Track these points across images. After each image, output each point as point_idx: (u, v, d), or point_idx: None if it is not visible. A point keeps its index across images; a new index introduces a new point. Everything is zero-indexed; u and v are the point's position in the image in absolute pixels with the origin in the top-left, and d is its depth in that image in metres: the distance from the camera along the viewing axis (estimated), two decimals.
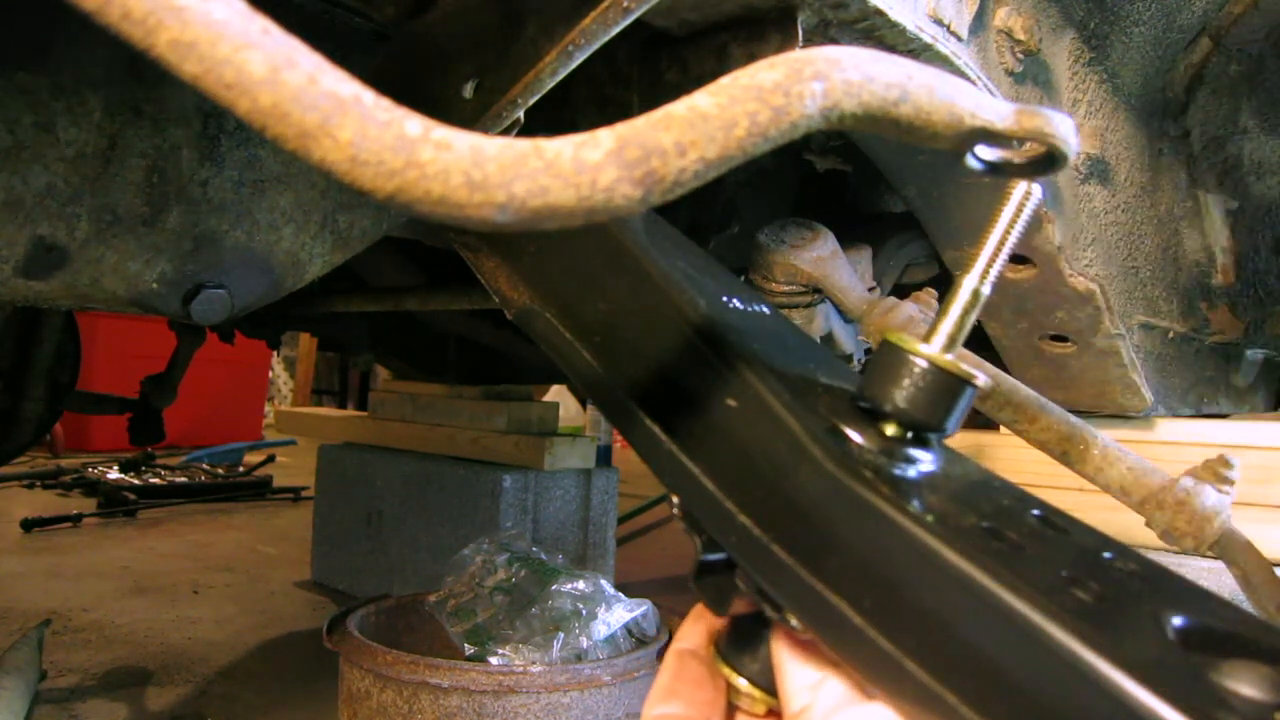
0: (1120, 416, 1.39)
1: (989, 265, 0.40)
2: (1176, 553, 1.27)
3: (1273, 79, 1.18)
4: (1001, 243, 0.40)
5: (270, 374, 6.62)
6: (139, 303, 0.83)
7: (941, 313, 0.40)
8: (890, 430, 0.39)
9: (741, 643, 0.44)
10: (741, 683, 0.44)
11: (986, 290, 0.40)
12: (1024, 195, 0.40)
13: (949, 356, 0.39)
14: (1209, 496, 0.70)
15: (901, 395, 0.38)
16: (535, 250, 0.63)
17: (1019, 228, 0.40)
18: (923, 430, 0.39)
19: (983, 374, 0.40)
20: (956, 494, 0.39)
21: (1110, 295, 1.15)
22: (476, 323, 2.14)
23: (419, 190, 0.28)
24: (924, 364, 0.38)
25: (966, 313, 0.40)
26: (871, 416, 0.41)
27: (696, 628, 0.47)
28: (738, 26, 0.73)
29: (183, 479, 3.81)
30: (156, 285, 0.82)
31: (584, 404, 4.77)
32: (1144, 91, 1.18)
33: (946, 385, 0.38)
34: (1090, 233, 1.13)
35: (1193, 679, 0.29)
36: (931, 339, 0.39)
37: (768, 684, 0.43)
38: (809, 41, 0.71)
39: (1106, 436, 0.76)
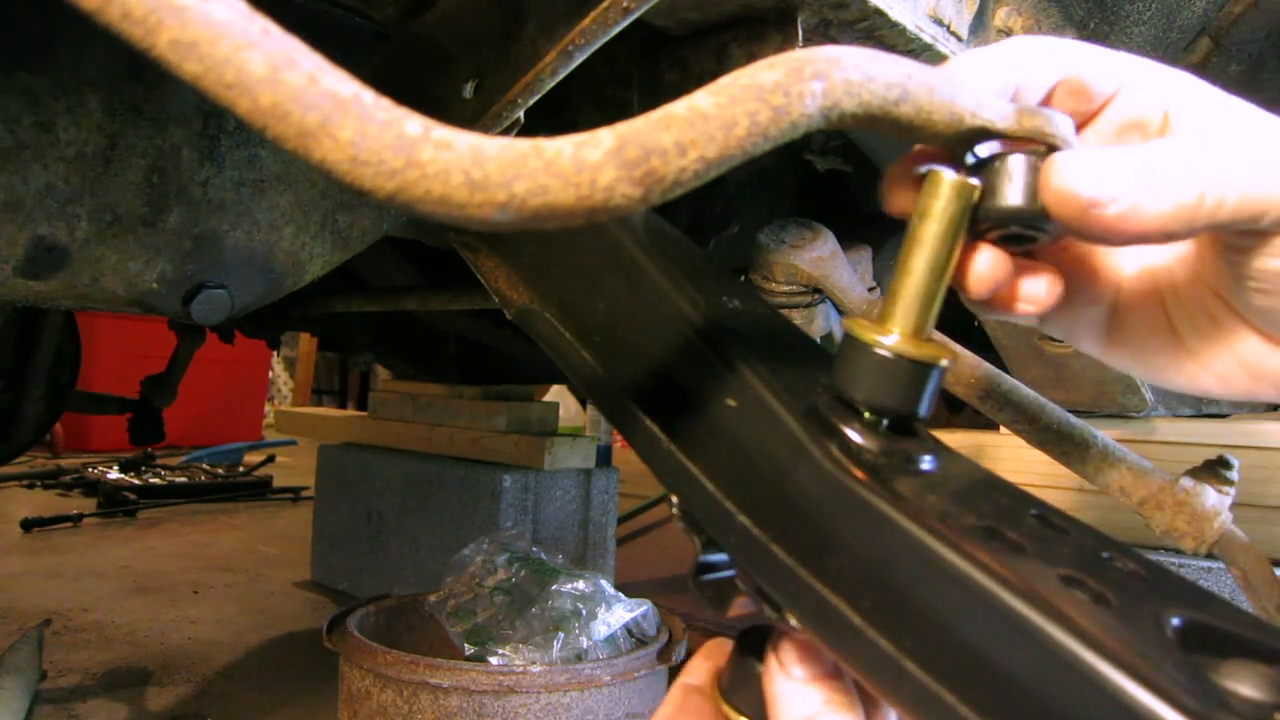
0: (1120, 416, 1.39)
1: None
2: (1176, 553, 1.27)
3: (1273, 79, 1.18)
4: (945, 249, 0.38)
5: (270, 374, 6.62)
6: (139, 303, 0.83)
7: (892, 294, 0.39)
8: (866, 418, 0.39)
9: (741, 678, 0.45)
10: (733, 714, 0.44)
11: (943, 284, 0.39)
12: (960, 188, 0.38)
13: (907, 340, 0.38)
14: (1209, 496, 0.70)
15: (868, 386, 0.38)
16: (535, 250, 0.63)
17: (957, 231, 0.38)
18: (895, 417, 0.39)
19: (945, 355, 0.39)
20: (956, 494, 0.39)
21: None
22: (476, 323, 2.14)
23: (419, 190, 0.28)
24: (882, 353, 0.38)
25: (926, 300, 0.39)
26: (853, 409, 0.41)
27: (703, 666, 0.47)
28: (738, 26, 0.73)
29: (183, 479, 3.81)
30: (156, 285, 0.82)
31: (584, 404, 4.77)
32: None
33: (910, 371, 0.38)
34: None
35: (1193, 679, 0.29)
36: (889, 324, 0.39)
37: None
38: (809, 41, 0.71)
39: (1106, 436, 0.76)
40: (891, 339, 0.38)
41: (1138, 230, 0.37)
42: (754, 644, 0.44)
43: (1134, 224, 0.37)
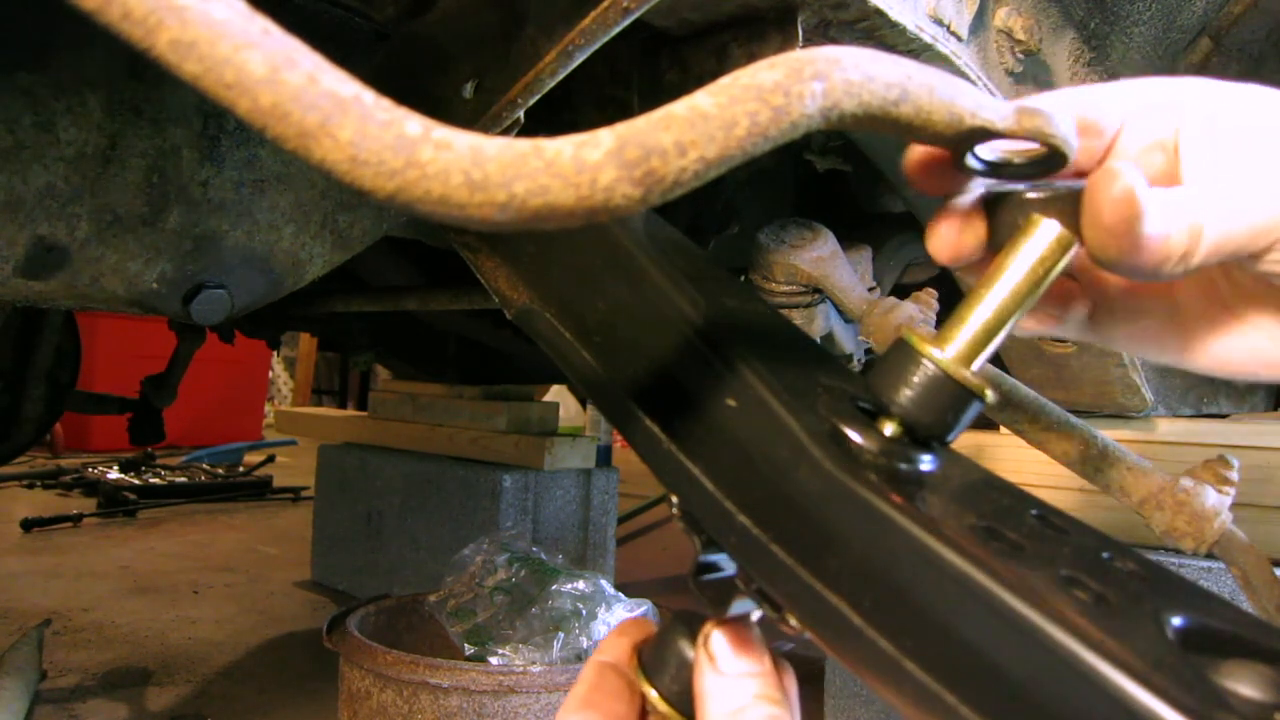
0: (1120, 416, 1.39)
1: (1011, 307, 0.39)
2: (1176, 553, 1.27)
3: (1273, 79, 1.18)
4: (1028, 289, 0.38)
5: (270, 374, 6.62)
6: (139, 303, 0.83)
7: (959, 318, 0.39)
8: (890, 429, 0.39)
9: (663, 660, 0.45)
10: (653, 694, 0.44)
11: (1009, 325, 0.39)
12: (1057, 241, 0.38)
13: (961, 365, 0.38)
14: (1209, 496, 0.71)
15: (908, 397, 0.38)
16: (535, 250, 0.63)
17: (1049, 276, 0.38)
18: (924, 435, 0.39)
19: (992, 389, 0.39)
20: (956, 494, 0.39)
21: None
22: (476, 323, 2.14)
23: (419, 190, 0.28)
24: (934, 370, 0.38)
25: (992, 331, 0.39)
26: (872, 415, 0.41)
27: (620, 643, 0.47)
28: (738, 26, 0.73)
29: (183, 479, 3.81)
30: (156, 285, 0.82)
31: (584, 404, 4.77)
32: None
33: (955, 395, 0.38)
34: None
35: (1193, 679, 0.29)
36: (946, 345, 0.39)
37: (682, 705, 0.44)
38: (809, 41, 0.71)
39: (1106, 436, 0.76)
40: (946, 357, 0.38)
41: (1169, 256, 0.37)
42: (682, 628, 0.44)
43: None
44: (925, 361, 0.38)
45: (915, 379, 0.38)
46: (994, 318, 0.39)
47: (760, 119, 0.31)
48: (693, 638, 0.44)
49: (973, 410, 0.38)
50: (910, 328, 0.40)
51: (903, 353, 0.39)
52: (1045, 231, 0.38)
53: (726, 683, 0.42)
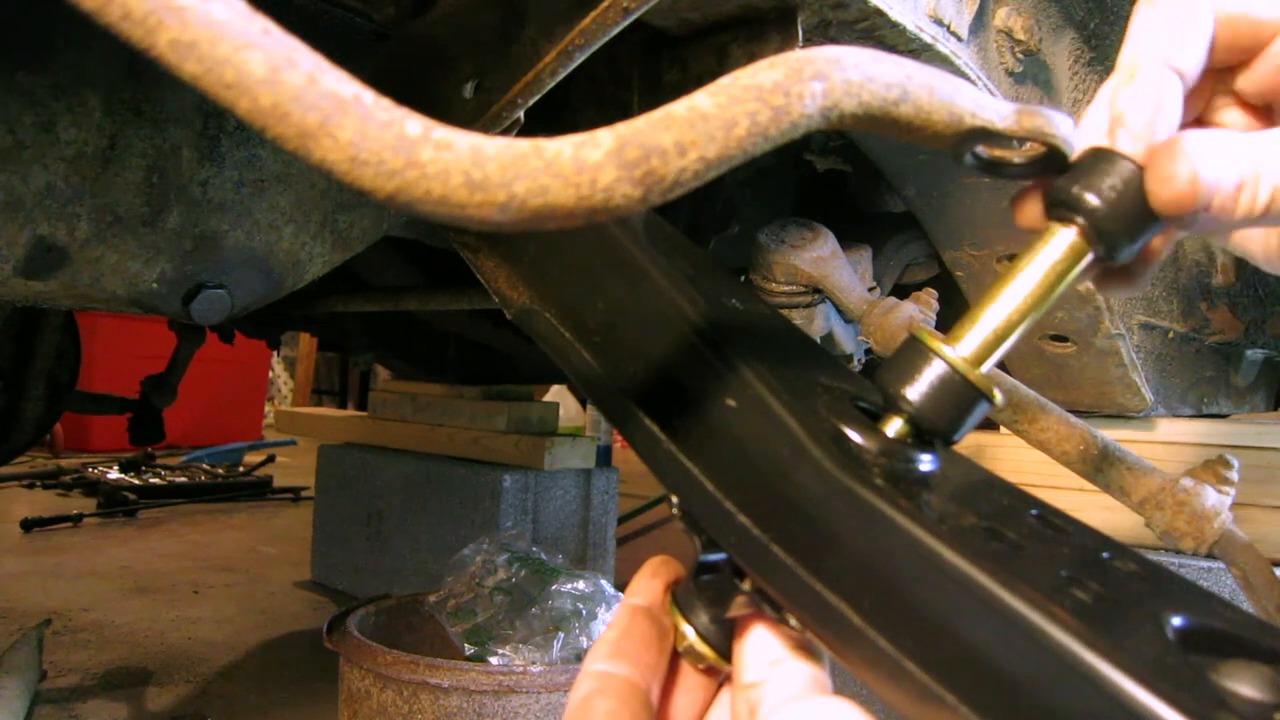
0: (1120, 416, 1.39)
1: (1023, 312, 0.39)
2: (1176, 553, 1.27)
3: None
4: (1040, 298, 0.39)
5: (270, 374, 6.62)
6: (139, 303, 0.83)
7: (970, 319, 0.39)
8: (895, 429, 0.39)
9: (702, 597, 0.44)
10: (689, 631, 0.44)
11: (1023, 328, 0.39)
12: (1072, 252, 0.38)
13: (973, 366, 0.38)
14: (1209, 497, 0.70)
15: (918, 394, 0.38)
16: (535, 250, 0.63)
17: (1064, 285, 0.39)
18: (931, 434, 0.39)
19: (1000, 390, 0.39)
20: (956, 494, 0.39)
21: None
22: (476, 323, 2.14)
23: (419, 190, 0.28)
24: (946, 369, 0.38)
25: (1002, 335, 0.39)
26: (872, 416, 0.41)
27: (652, 585, 0.46)
28: (738, 26, 0.73)
29: (183, 479, 3.81)
30: (156, 285, 0.82)
31: (584, 404, 4.77)
32: None
33: (965, 395, 0.38)
34: None
35: (1192, 679, 0.29)
36: (957, 345, 0.39)
37: (718, 643, 0.43)
38: (809, 41, 0.71)
39: (1106, 436, 0.76)
40: (957, 355, 0.38)
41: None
42: (719, 572, 0.44)
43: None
44: (938, 360, 0.38)
45: (926, 377, 0.38)
46: (1006, 322, 0.39)
47: (760, 119, 0.31)
48: (728, 582, 0.43)
49: (980, 411, 0.39)
50: (921, 326, 0.39)
51: (915, 350, 0.39)
52: (1061, 240, 0.38)
53: (765, 634, 0.41)
